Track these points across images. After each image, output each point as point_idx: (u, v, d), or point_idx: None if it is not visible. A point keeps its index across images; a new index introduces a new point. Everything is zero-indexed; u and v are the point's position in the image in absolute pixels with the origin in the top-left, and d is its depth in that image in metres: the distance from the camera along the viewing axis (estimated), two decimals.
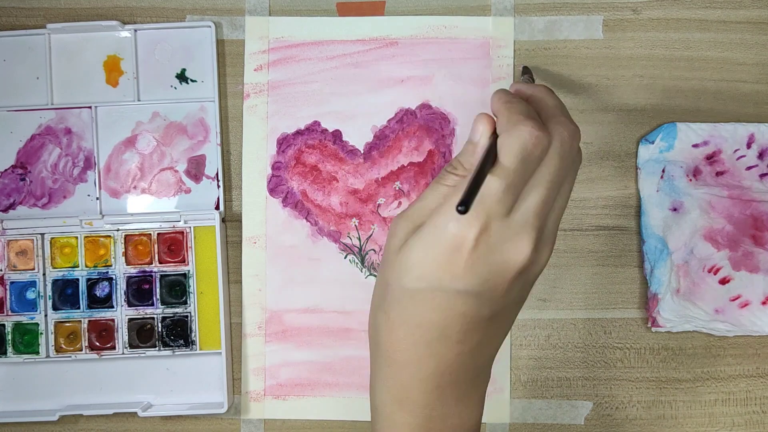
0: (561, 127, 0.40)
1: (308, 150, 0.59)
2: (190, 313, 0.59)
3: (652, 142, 0.58)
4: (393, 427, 0.42)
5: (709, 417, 0.58)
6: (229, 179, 0.60)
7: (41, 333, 0.58)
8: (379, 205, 0.59)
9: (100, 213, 0.59)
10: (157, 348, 0.58)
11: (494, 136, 0.39)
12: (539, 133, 0.38)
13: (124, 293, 0.59)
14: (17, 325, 0.58)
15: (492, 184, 0.37)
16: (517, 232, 0.38)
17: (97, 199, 0.59)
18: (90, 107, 0.59)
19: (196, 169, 0.60)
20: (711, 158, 0.57)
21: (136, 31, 0.59)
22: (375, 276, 0.59)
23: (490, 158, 0.38)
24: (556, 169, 0.39)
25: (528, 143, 0.38)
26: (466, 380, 0.41)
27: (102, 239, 0.59)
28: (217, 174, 0.59)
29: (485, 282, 0.38)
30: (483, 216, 0.37)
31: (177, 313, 0.59)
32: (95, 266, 0.59)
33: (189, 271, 0.58)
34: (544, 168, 0.39)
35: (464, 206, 0.34)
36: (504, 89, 0.44)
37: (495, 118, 0.41)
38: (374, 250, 0.59)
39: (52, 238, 0.58)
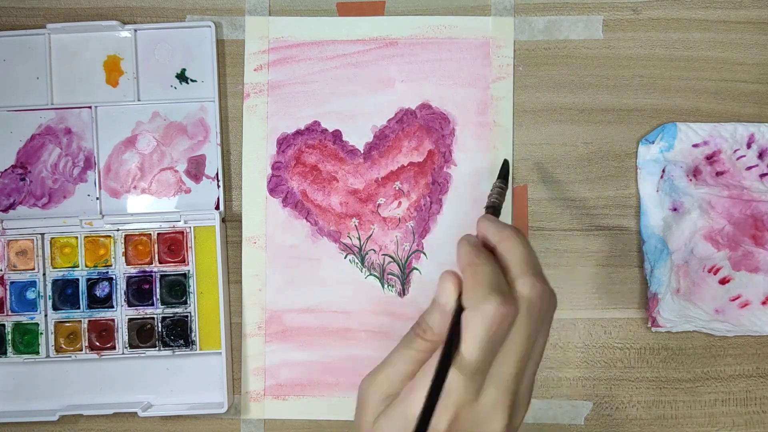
0: (529, 289, 0.38)
1: (308, 150, 0.59)
2: (190, 313, 0.58)
3: (652, 142, 0.58)
4: None
5: (709, 417, 0.58)
6: (229, 179, 0.60)
7: (41, 333, 0.58)
8: (379, 205, 0.59)
9: (100, 213, 0.59)
10: (157, 348, 0.58)
11: (459, 302, 0.38)
12: (505, 310, 0.36)
13: (124, 293, 0.58)
14: (17, 325, 0.58)
15: (456, 379, 0.36)
16: (489, 413, 0.37)
17: (97, 199, 0.59)
18: (90, 107, 0.59)
19: (196, 169, 0.60)
20: (711, 158, 0.57)
21: (136, 31, 0.59)
22: (375, 276, 0.59)
23: (457, 333, 0.37)
24: (525, 339, 0.37)
25: (493, 323, 0.36)
26: None
27: (102, 239, 0.59)
28: (217, 174, 0.59)
29: None
30: (451, 408, 0.36)
31: (177, 313, 0.59)
32: (95, 266, 0.59)
33: (189, 271, 0.58)
34: (513, 340, 0.37)
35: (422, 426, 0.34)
36: (470, 239, 0.42)
37: (461, 277, 0.39)
38: (374, 250, 0.59)
39: (52, 238, 0.58)
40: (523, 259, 0.39)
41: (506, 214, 0.58)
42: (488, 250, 0.41)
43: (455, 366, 0.36)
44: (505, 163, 0.55)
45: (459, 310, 0.38)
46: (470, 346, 0.36)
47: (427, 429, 0.34)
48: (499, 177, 0.55)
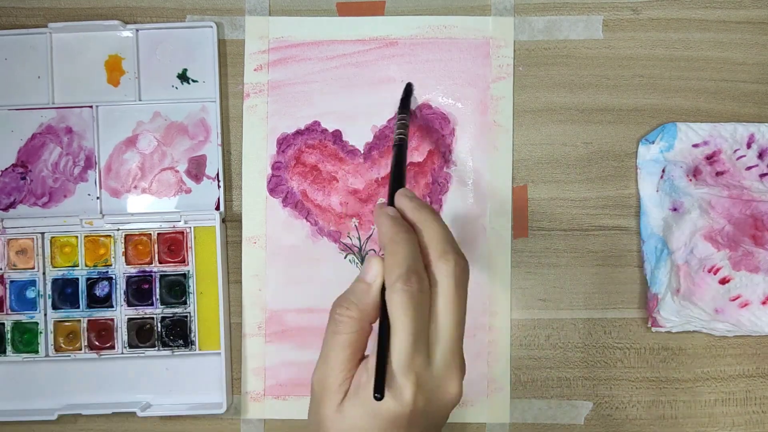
0: (452, 265, 0.40)
1: (308, 150, 0.59)
2: (189, 313, 0.58)
3: (652, 142, 0.58)
4: None
5: (709, 417, 0.58)
6: (230, 179, 0.60)
7: (41, 332, 0.58)
8: None
9: (101, 212, 0.59)
10: (156, 348, 0.58)
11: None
12: (423, 285, 0.39)
13: (124, 293, 0.58)
14: (17, 324, 0.58)
15: (402, 346, 0.37)
16: (445, 375, 0.39)
17: (98, 198, 0.59)
18: (91, 107, 0.59)
19: (196, 170, 0.60)
20: (711, 158, 0.57)
21: (137, 30, 0.59)
22: None
23: (385, 323, 0.38)
24: (457, 306, 0.40)
25: (414, 298, 0.38)
26: None
27: (102, 239, 0.59)
28: (217, 174, 0.59)
29: (428, 428, 0.40)
30: (410, 377, 0.37)
31: (176, 313, 0.59)
32: (95, 266, 0.59)
33: (189, 271, 0.58)
34: (444, 308, 0.39)
35: (380, 393, 0.36)
36: (389, 211, 0.43)
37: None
38: (374, 250, 0.59)
39: (52, 237, 0.59)
40: (442, 237, 0.41)
41: (506, 214, 0.58)
42: (407, 223, 0.42)
43: (394, 339, 0.38)
44: (408, 87, 0.56)
45: (383, 288, 0.40)
46: (400, 320, 0.38)
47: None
48: (400, 108, 0.55)
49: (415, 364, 0.38)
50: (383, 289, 0.40)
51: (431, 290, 0.39)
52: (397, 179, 0.48)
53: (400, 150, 0.49)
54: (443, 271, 0.40)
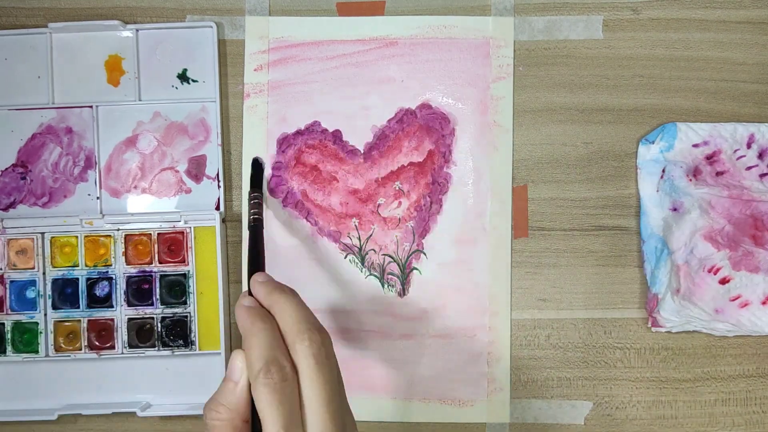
0: (307, 345, 0.40)
1: (308, 150, 0.59)
2: (189, 313, 0.58)
3: (652, 142, 0.58)
4: None
5: (709, 417, 0.58)
6: (230, 179, 0.60)
7: (41, 332, 0.58)
8: (379, 205, 0.59)
9: (101, 212, 0.59)
10: (156, 348, 0.58)
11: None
12: (282, 374, 0.38)
13: (124, 293, 0.58)
14: (17, 324, 0.58)
15: None
16: None
17: (98, 198, 0.59)
18: (91, 106, 0.59)
19: (196, 170, 0.60)
20: (711, 158, 0.57)
21: (137, 30, 0.59)
22: (375, 276, 0.59)
23: (256, 419, 0.38)
24: (321, 385, 0.39)
25: (276, 389, 0.38)
26: None
27: (102, 239, 0.59)
28: (217, 174, 0.59)
29: None
30: None
31: (176, 313, 0.58)
32: (95, 266, 0.59)
33: (189, 271, 0.58)
34: (311, 390, 0.39)
35: None
36: (243, 302, 0.43)
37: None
38: (374, 251, 0.59)
39: (52, 237, 0.59)
40: (295, 318, 0.41)
41: (506, 214, 0.58)
42: (264, 310, 0.43)
43: None
44: (255, 162, 0.57)
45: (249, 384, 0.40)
46: (267, 413, 0.38)
47: None
48: (252, 185, 0.56)
49: None
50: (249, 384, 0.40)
51: (296, 375, 0.39)
52: (253, 263, 0.48)
53: (255, 231, 0.50)
54: (301, 353, 0.40)
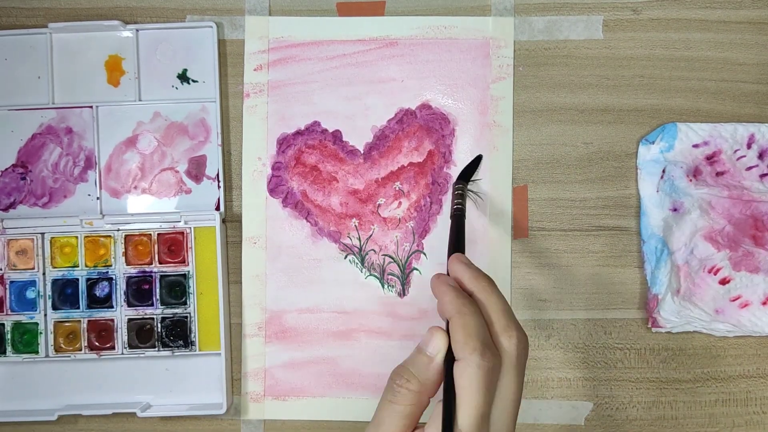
0: (516, 342, 0.39)
1: (308, 150, 0.59)
2: (189, 313, 0.58)
3: (652, 142, 0.58)
4: None
5: (709, 417, 0.58)
6: (230, 179, 0.60)
7: (41, 332, 0.58)
8: (379, 205, 0.59)
9: (101, 213, 0.59)
10: (156, 348, 0.58)
11: (450, 354, 0.39)
12: (495, 362, 0.38)
13: (124, 293, 0.58)
14: (17, 325, 0.58)
15: (466, 424, 0.37)
16: None
17: (98, 198, 0.59)
18: (91, 107, 0.59)
19: (196, 170, 0.60)
20: (711, 158, 0.57)
21: (137, 31, 0.59)
22: (375, 276, 0.59)
23: (452, 387, 0.38)
24: (517, 386, 0.39)
25: (488, 375, 0.37)
26: None
27: (102, 239, 0.59)
28: (217, 174, 0.59)
29: None
30: None
31: (177, 313, 0.58)
32: (95, 266, 0.59)
33: (189, 271, 0.58)
34: (507, 389, 0.39)
35: None
36: (448, 281, 0.42)
37: (446, 330, 0.40)
38: (374, 251, 0.59)
39: (52, 238, 0.59)
40: (503, 310, 0.41)
41: (506, 214, 0.58)
42: (470, 298, 0.42)
43: (461, 409, 0.37)
44: (477, 159, 0.56)
45: (450, 360, 0.39)
46: (471, 391, 0.37)
47: None
48: (459, 177, 0.55)
49: None
50: (446, 361, 0.39)
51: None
52: (456, 246, 0.47)
53: (458, 220, 0.49)
54: (508, 346, 0.39)
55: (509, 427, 0.39)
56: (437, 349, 0.40)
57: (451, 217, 0.50)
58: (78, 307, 0.59)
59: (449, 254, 0.46)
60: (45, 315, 0.58)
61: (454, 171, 0.59)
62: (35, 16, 0.60)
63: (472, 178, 0.56)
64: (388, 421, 0.39)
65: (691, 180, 0.57)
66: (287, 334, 0.59)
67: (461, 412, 0.37)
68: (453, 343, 0.39)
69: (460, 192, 0.52)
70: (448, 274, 0.44)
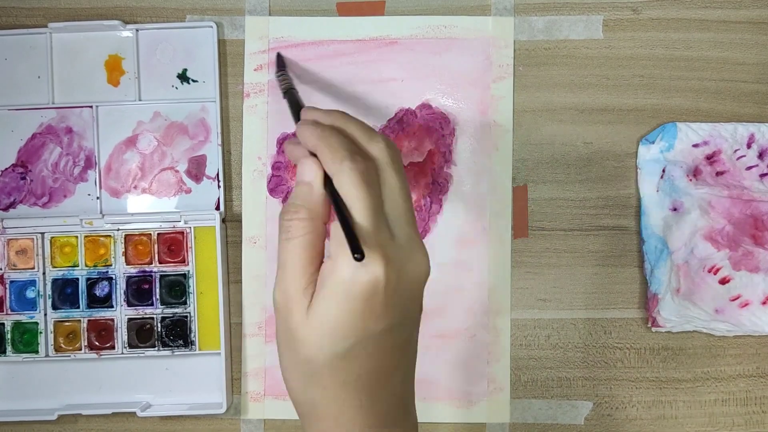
0: (381, 144, 0.41)
1: None
2: (189, 313, 0.58)
3: (652, 142, 0.58)
4: None
5: (709, 417, 0.58)
6: (230, 179, 0.60)
7: (41, 332, 0.58)
8: None
9: (101, 212, 0.59)
10: (156, 348, 0.58)
11: (326, 176, 0.40)
12: (367, 163, 0.39)
13: (124, 293, 0.58)
14: (17, 324, 0.58)
15: (364, 221, 0.37)
16: (410, 248, 0.39)
17: (98, 198, 0.59)
18: (91, 106, 0.59)
19: (196, 170, 0.60)
20: (711, 158, 0.57)
21: (137, 30, 0.59)
22: None
23: (339, 198, 0.38)
24: (401, 179, 0.40)
25: (363, 173, 0.38)
26: (400, 415, 0.42)
27: (102, 239, 0.59)
28: (217, 174, 0.59)
29: (404, 309, 0.39)
30: (379, 250, 0.37)
31: (176, 313, 0.58)
32: (95, 266, 0.59)
33: (189, 271, 0.58)
34: (393, 184, 0.40)
35: (359, 253, 0.35)
36: (307, 122, 0.43)
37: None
38: None
39: (52, 238, 0.59)
40: (362, 128, 0.42)
41: (506, 214, 0.58)
42: (328, 125, 0.43)
43: (354, 210, 0.38)
44: (278, 55, 0.59)
45: (330, 183, 0.39)
46: (355, 191, 0.38)
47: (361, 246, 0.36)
48: (277, 70, 0.57)
49: (380, 238, 0.37)
50: (326, 186, 0.39)
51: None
52: (296, 112, 0.48)
53: (291, 95, 0.51)
54: (377, 151, 0.40)
55: (407, 215, 0.40)
56: (313, 172, 0.40)
57: (284, 96, 0.52)
58: (78, 307, 0.59)
59: (294, 117, 0.47)
60: (45, 315, 0.58)
61: (454, 171, 0.59)
62: (35, 16, 0.60)
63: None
64: (290, 260, 0.39)
65: (691, 180, 0.57)
66: None
67: (354, 213, 0.38)
68: (324, 165, 0.40)
69: (283, 76, 0.55)
70: None
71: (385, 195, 0.40)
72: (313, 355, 0.38)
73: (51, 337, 0.58)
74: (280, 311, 0.39)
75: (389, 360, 0.40)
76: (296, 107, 0.49)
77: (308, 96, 0.59)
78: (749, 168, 0.57)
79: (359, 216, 0.37)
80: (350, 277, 0.37)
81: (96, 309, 0.59)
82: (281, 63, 0.58)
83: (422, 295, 0.41)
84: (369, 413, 0.39)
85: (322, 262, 0.39)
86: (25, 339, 0.58)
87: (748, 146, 0.57)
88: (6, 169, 0.59)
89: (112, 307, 0.59)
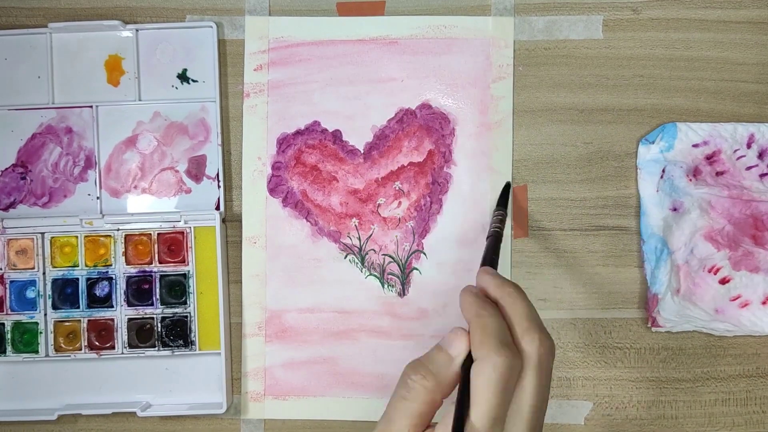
0: (537, 345, 0.39)
1: (308, 150, 0.59)
2: (189, 313, 0.58)
3: (652, 142, 0.58)
4: None
5: (709, 417, 0.58)
6: (230, 179, 0.60)
7: (41, 332, 0.58)
8: (379, 205, 0.59)
9: (101, 212, 0.59)
10: (156, 348, 0.58)
11: (469, 357, 0.39)
12: (514, 362, 0.37)
13: (124, 293, 0.58)
14: (17, 324, 0.58)
15: (478, 423, 0.36)
16: None
17: (98, 198, 0.59)
18: (91, 106, 0.59)
19: (196, 170, 0.60)
20: (711, 158, 0.57)
21: (137, 30, 0.59)
22: (375, 276, 0.59)
23: (468, 386, 0.37)
24: (538, 391, 0.38)
25: (504, 375, 0.36)
26: None
27: (102, 239, 0.59)
28: (217, 174, 0.59)
29: None
30: None
31: (176, 313, 0.58)
32: (95, 266, 0.59)
33: (189, 271, 0.58)
34: (527, 393, 0.38)
35: None
36: (472, 289, 0.42)
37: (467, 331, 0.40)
38: (374, 251, 0.59)
39: (52, 238, 0.59)
40: (527, 314, 0.40)
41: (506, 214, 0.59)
42: (491, 302, 0.42)
43: (475, 410, 0.36)
44: (507, 186, 0.57)
45: (468, 362, 0.38)
46: (487, 391, 0.36)
47: None
48: (498, 204, 0.56)
49: None
50: (464, 363, 0.38)
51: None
52: (486, 261, 0.47)
53: (495, 239, 0.50)
54: (530, 347, 0.38)
55: (526, 426, 0.37)
56: (459, 349, 0.39)
57: (487, 238, 0.52)
58: (78, 307, 0.59)
59: (481, 266, 0.46)
60: (45, 314, 0.58)
61: (454, 171, 0.59)
62: (35, 16, 0.60)
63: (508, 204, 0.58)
64: (398, 417, 0.38)
65: (690, 180, 0.57)
66: (287, 334, 0.59)
67: (474, 412, 0.36)
68: (471, 345, 0.38)
69: (500, 217, 0.54)
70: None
71: (515, 403, 0.37)
72: None
73: (51, 337, 0.58)
74: None
75: None
76: (488, 255, 0.48)
77: (308, 96, 0.59)
78: (749, 168, 0.57)
79: (476, 417, 0.36)
80: None
81: (96, 309, 0.59)
82: (505, 198, 0.57)
83: None
84: None
85: (427, 428, 0.38)
86: (25, 339, 0.59)
87: (748, 146, 0.57)
88: (6, 169, 0.59)
89: (112, 307, 0.59)
